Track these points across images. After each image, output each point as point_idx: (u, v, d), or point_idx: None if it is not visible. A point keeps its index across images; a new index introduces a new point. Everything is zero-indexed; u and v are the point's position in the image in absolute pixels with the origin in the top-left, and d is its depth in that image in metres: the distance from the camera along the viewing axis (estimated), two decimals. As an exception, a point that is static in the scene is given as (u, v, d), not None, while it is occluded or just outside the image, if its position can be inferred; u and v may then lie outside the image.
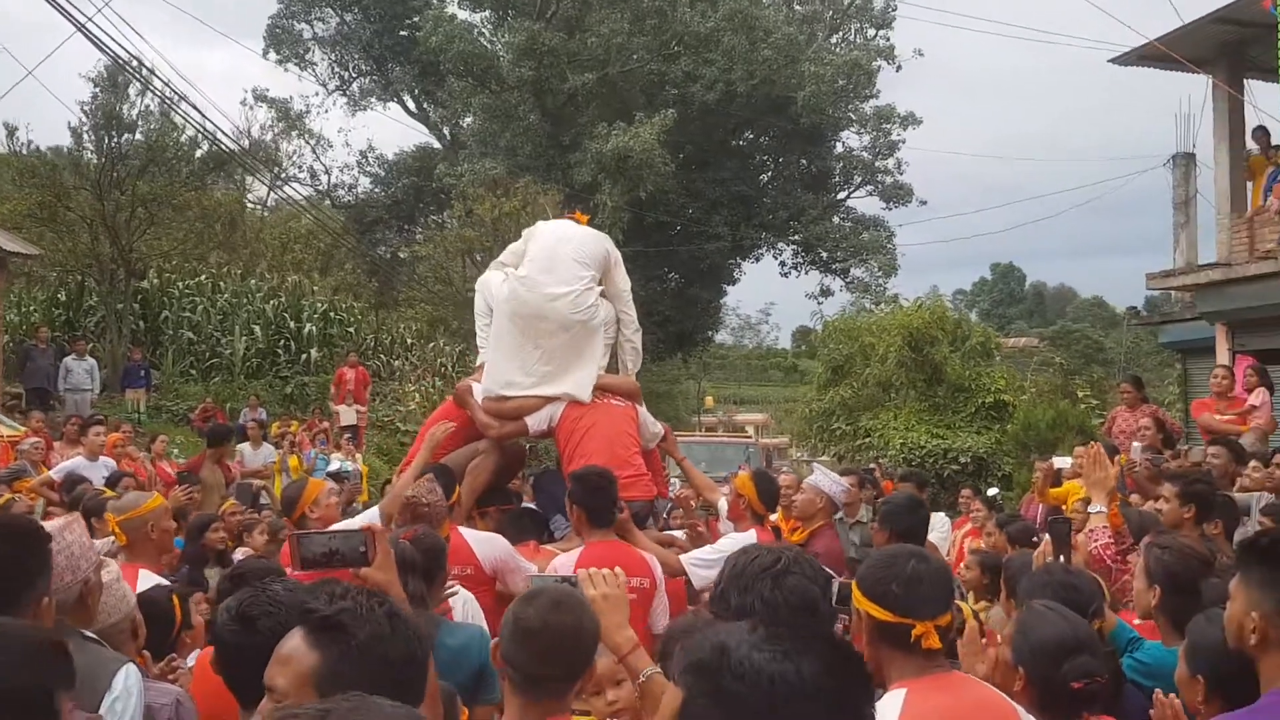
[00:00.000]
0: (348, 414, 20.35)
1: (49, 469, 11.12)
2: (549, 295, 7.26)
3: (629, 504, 6.09)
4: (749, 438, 26.41)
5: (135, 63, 15.57)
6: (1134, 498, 8.21)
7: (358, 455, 18.71)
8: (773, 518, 6.44)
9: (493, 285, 7.71)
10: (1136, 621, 4.32)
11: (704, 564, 5.84)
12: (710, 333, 52.47)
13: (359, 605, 2.16)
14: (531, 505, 7.60)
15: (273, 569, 4.62)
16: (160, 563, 5.26)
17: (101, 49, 13.11)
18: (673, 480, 9.55)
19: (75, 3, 11.16)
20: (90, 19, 12.05)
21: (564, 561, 5.31)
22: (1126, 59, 16.78)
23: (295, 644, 2.18)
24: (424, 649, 2.22)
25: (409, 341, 28.54)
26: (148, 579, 4.73)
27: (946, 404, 21.80)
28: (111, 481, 9.39)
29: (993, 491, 14.68)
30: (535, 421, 7.32)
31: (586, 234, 7.72)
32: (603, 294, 7.55)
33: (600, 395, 7.39)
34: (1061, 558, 4.68)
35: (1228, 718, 2.85)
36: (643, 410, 7.76)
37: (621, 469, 6.43)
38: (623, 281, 7.83)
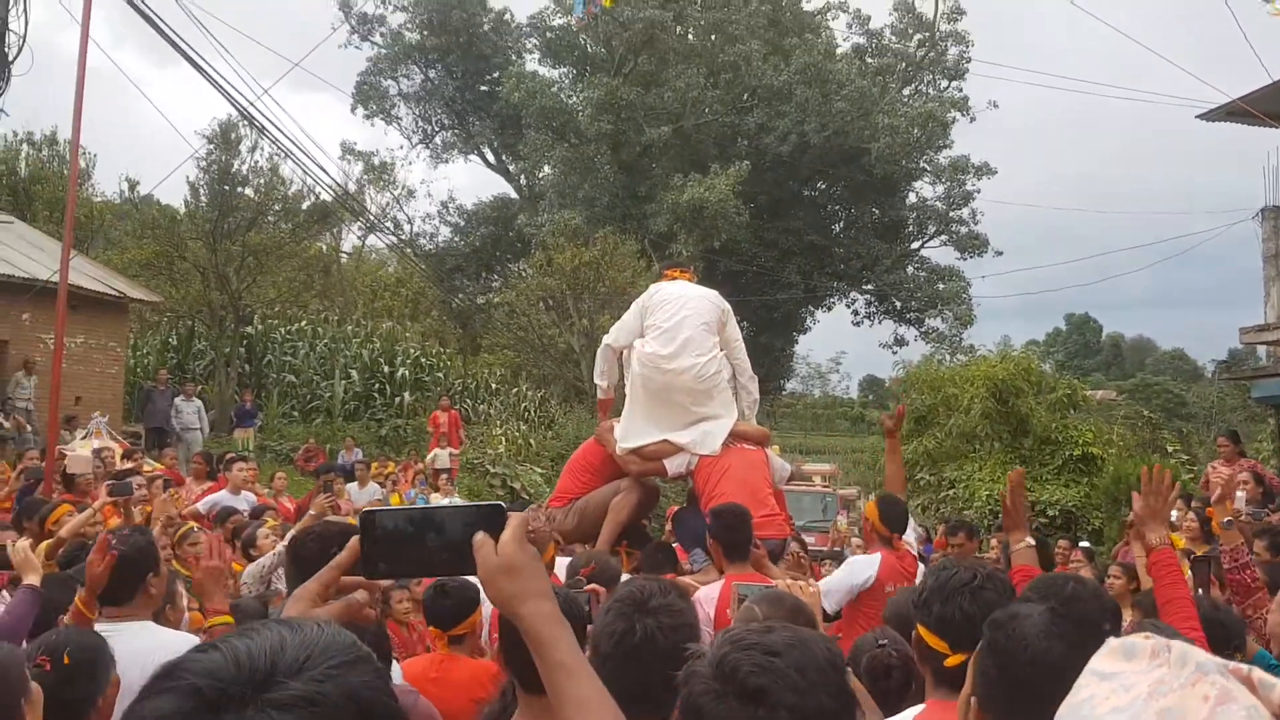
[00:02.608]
0: (441, 456, 20.92)
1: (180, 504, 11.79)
2: (675, 370, 7.78)
3: (764, 541, 6.45)
4: (824, 487, 26.51)
5: (251, 116, 16.45)
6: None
7: (454, 495, 19.24)
8: (907, 538, 6.64)
9: (618, 348, 8.23)
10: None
11: (830, 593, 6.24)
12: (781, 381, 52.69)
13: None
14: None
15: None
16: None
17: (236, 105, 13.87)
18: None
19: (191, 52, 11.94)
20: (214, 71, 12.75)
21: (707, 594, 5.64)
22: (1214, 115, 16.96)
23: None
24: None
25: (493, 386, 29.18)
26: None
27: (1033, 456, 21.68)
28: (255, 513, 9.97)
29: (1084, 545, 14.80)
30: (673, 465, 7.82)
31: (703, 297, 8.19)
32: (719, 346, 8.04)
33: (733, 441, 7.86)
34: (1200, 592, 5.09)
35: None
36: (771, 453, 8.24)
37: (757, 509, 6.79)
38: (734, 333, 8.31)
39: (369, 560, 1.79)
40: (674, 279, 8.46)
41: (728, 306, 8.28)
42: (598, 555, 5.69)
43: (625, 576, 5.79)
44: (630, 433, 7.94)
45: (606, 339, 8.43)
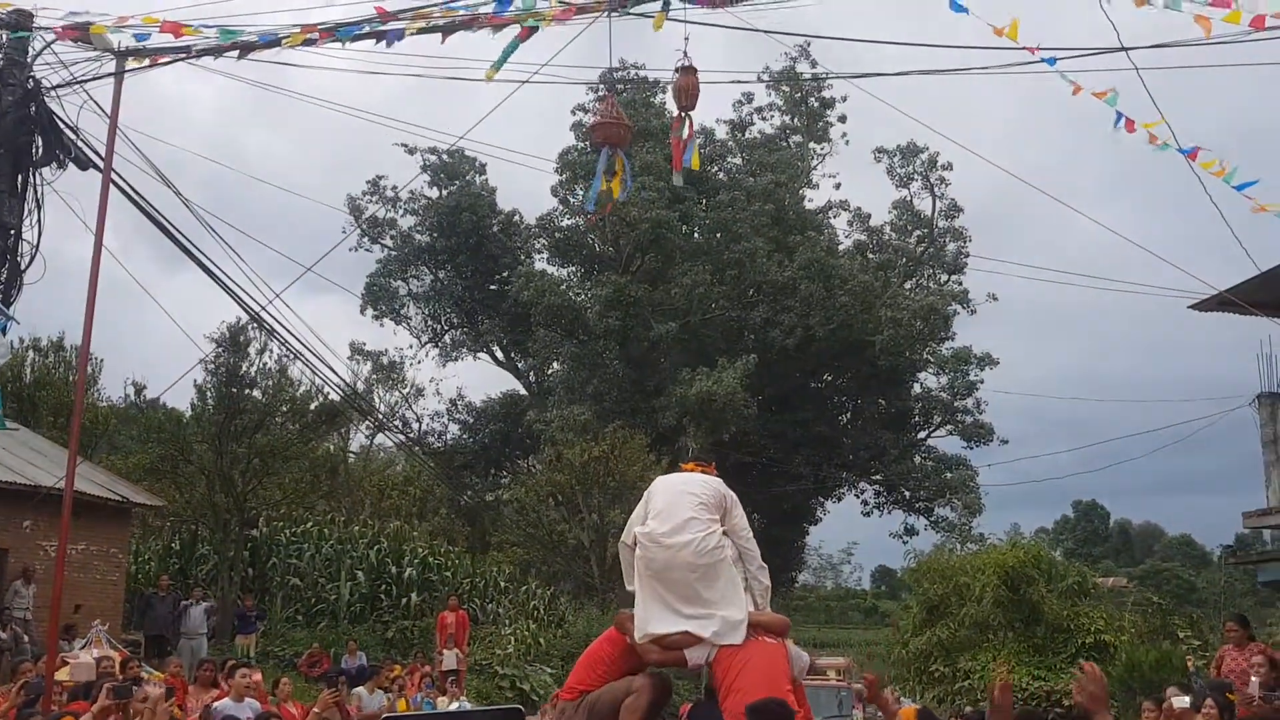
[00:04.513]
0: (449, 659, 20.61)
1: (184, 712, 11.64)
2: (674, 545, 7.78)
3: (786, 739, 6.37)
4: (839, 681, 25.93)
5: (260, 320, 16.66)
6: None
7: (461, 698, 18.91)
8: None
9: (631, 544, 8.32)
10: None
11: None
12: (793, 573, 52.17)
13: None
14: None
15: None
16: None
17: (246, 309, 14.22)
18: None
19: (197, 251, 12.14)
20: (224, 274, 13.05)
21: None
22: (1206, 305, 17.18)
23: None
24: None
25: (502, 584, 28.89)
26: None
27: (1046, 644, 21.41)
28: (260, 721, 9.87)
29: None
30: (694, 655, 7.71)
31: (702, 481, 8.28)
32: (725, 533, 8.08)
33: (753, 632, 7.79)
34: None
35: None
36: (790, 643, 8.16)
37: (779, 704, 6.73)
38: (740, 521, 8.31)
39: None
40: (689, 471, 8.59)
41: (731, 494, 8.30)
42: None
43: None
44: (650, 620, 7.87)
45: (622, 538, 8.50)
